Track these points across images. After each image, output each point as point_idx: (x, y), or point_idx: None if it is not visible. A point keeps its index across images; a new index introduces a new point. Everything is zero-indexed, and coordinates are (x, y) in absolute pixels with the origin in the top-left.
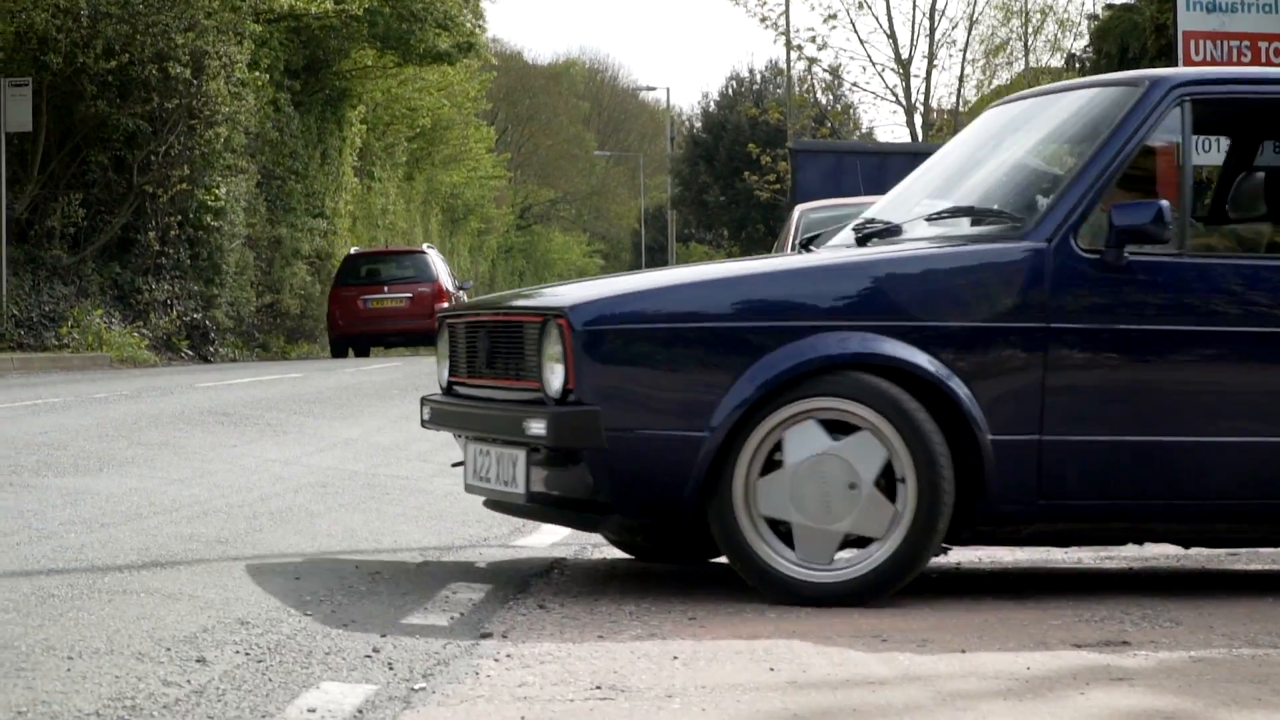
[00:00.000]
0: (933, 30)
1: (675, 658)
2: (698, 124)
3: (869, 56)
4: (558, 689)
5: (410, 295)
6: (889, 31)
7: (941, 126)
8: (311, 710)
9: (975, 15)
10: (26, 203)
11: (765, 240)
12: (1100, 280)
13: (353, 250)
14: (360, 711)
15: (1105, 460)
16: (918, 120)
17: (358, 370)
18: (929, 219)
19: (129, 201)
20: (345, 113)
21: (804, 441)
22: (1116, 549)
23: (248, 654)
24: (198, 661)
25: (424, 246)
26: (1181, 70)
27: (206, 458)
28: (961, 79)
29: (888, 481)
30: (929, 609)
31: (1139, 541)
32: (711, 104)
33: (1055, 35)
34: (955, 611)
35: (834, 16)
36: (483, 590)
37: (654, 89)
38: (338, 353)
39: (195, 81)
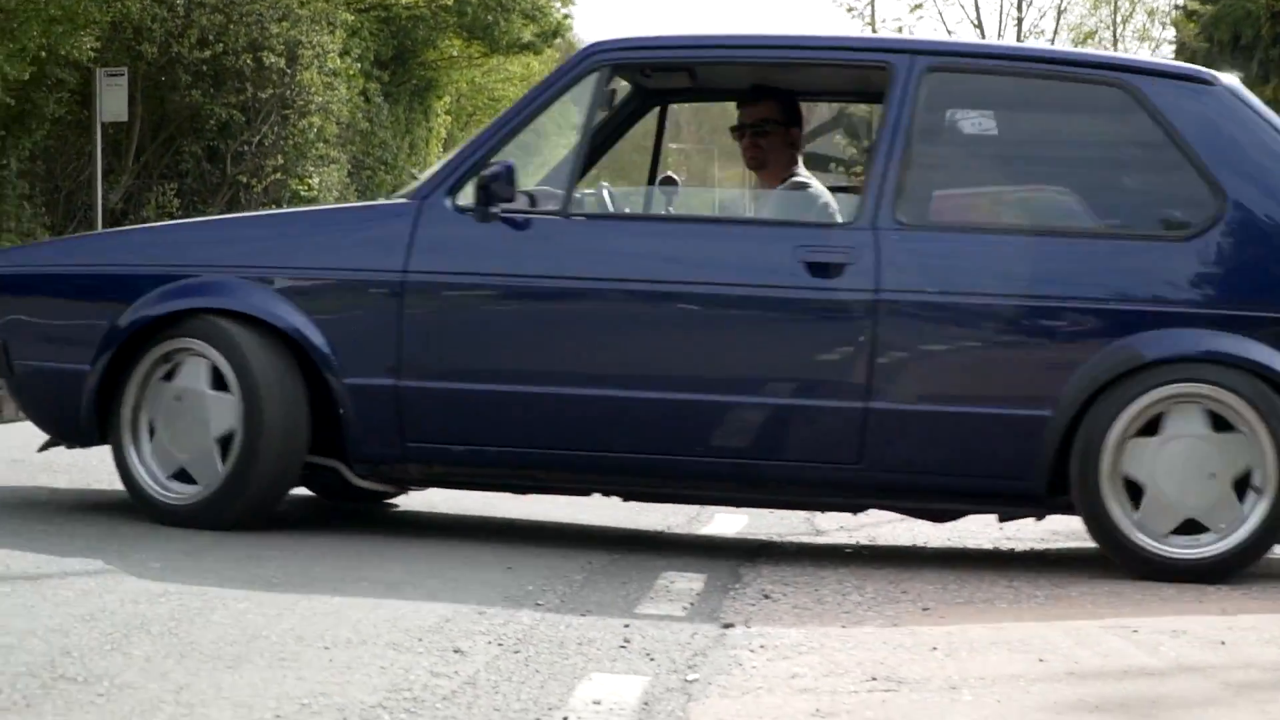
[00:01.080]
0: (1020, 20)
1: (934, 648)
2: None
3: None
4: (833, 680)
5: None
6: (976, 21)
7: None
8: (597, 702)
9: (1063, 4)
10: (121, 193)
11: None
12: (465, 236)
13: None
14: (646, 704)
15: (462, 406)
16: None
17: None
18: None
19: (223, 192)
20: (431, 103)
21: None
22: None
23: (500, 644)
24: (455, 652)
25: None
26: (606, 38)
27: None
28: None
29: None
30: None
31: (523, 491)
32: None
33: (1144, 25)
34: (1183, 599)
35: (920, 6)
36: (698, 579)
37: None
38: None
39: (289, 71)
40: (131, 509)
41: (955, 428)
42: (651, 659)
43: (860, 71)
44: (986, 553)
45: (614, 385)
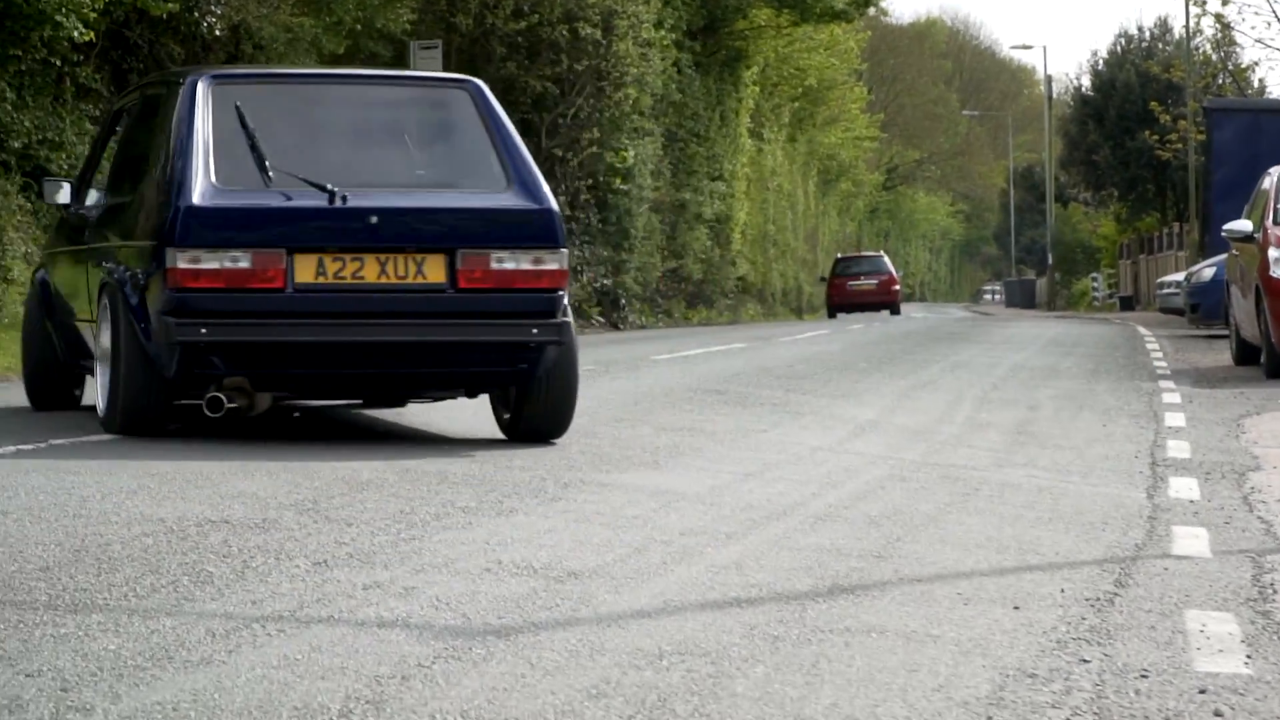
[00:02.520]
0: None
1: None
2: (1085, 82)
3: (1274, 11)
4: None
5: (875, 282)
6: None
7: None
8: None
9: None
10: None
11: (1155, 201)
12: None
13: (839, 255)
14: None
15: None
16: None
17: (793, 340)
18: None
19: (538, 165)
20: (740, 74)
21: None
22: None
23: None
24: None
25: (879, 252)
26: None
27: (747, 444)
28: None
29: None
30: None
31: None
32: (1100, 62)
33: None
34: None
35: None
36: (1231, 619)
37: (1029, 47)
38: (832, 315)
39: (604, 42)
40: None
41: None
42: None
43: None
44: None
45: None
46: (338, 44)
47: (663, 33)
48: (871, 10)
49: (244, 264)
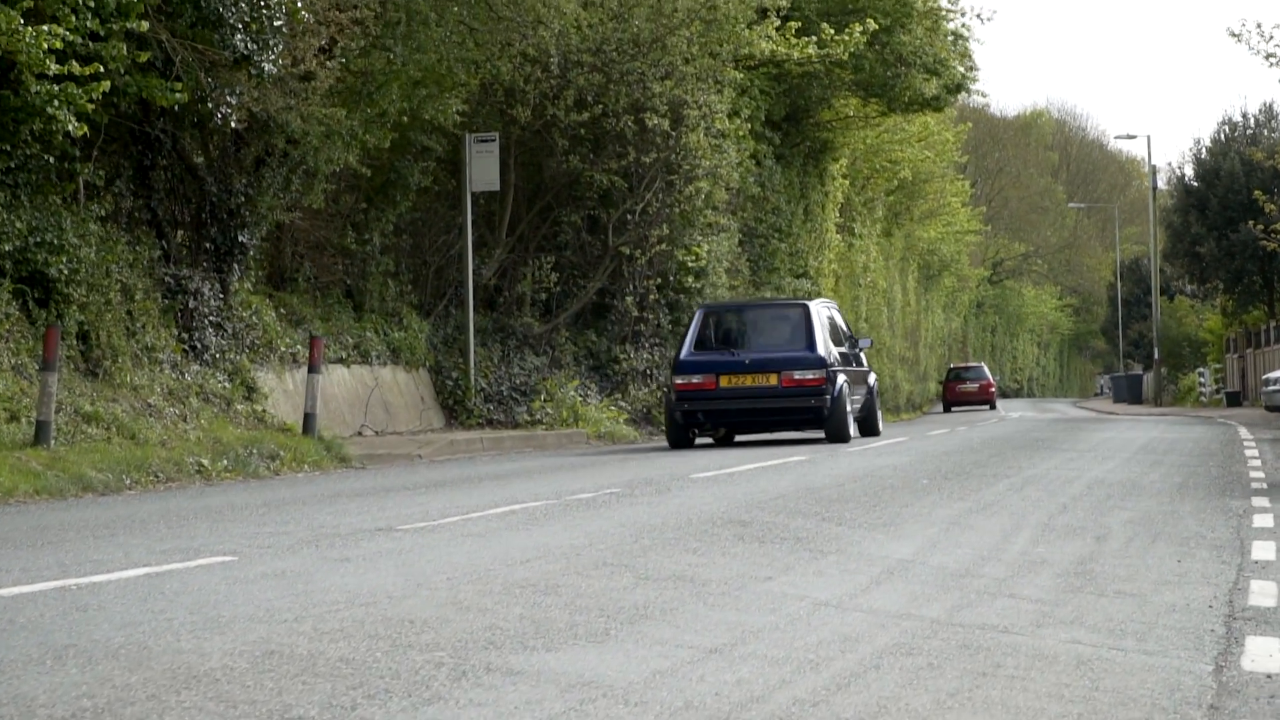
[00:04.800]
0: None
1: None
2: (1188, 171)
3: None
4: None
5: (977, 385)
6: None
7: None
8: None
9: None
10: (495, 268)
11: (1262, 293)
12: None
13: (950, 365)
14: None
15: None
16: None
17: (864, 450)
18: None
19: (604, 264)
20: (827, 165)
21: None
22: None
23: None
24: None
25: (980, 364)
26: None
27: (738, 600)
28: None
29: None
30: None
31: None
32: (1203, 150)
33: None
34: None
35: None
36: None
37: (1133, 137)
38: (947, 409)
39: (673, 133)
40: None
41: None
42: None
43: None
44: None
45: None
46: (383, 137)
47: (738, 123)
48: (966, 97)
49: (698, 380)
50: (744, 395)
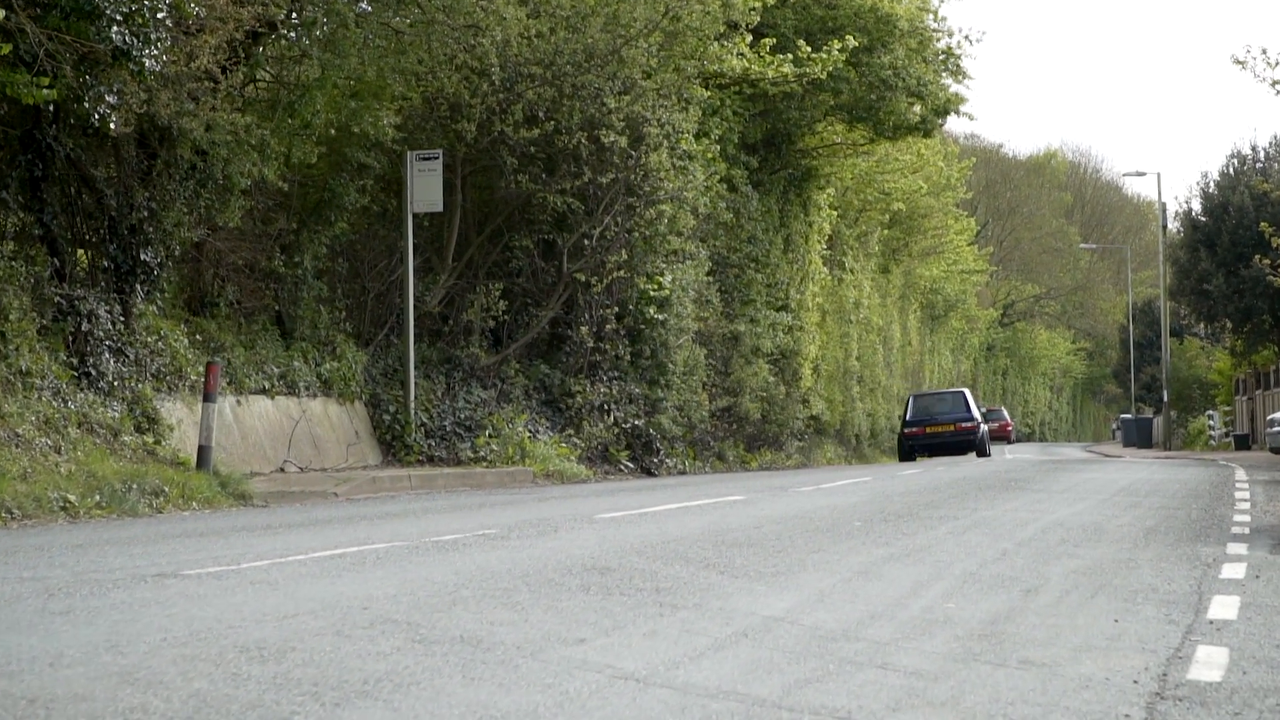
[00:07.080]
0: None
1: None
2: (1195, 206)
3: None
4: None
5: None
6: None
7: None
8: None
9: None
10: (440, 294)
11: (1272, 333)
12: None
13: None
14: None
15: None
16: None
17: (816, 489)
18: None
19: (558, 292)
20: (811, 194)
21: None
22: None
23: None
24: None
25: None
26: None
27: (516, 671)
28: None
29: None
30: None
31: None
32: (1211, 184)
33: None
34: None
35: None
36: None
37: (1143, 174)
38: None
39: (633, 153)
40: None
41: None
42: None
43: None
44: None
45: None
46: (309, 151)
47: (706, 144)
48: (967, 122)
49: (913, 430)
50: (936, 435)
